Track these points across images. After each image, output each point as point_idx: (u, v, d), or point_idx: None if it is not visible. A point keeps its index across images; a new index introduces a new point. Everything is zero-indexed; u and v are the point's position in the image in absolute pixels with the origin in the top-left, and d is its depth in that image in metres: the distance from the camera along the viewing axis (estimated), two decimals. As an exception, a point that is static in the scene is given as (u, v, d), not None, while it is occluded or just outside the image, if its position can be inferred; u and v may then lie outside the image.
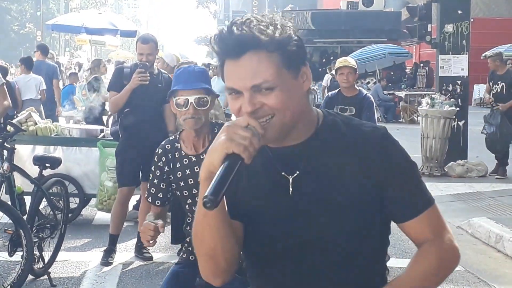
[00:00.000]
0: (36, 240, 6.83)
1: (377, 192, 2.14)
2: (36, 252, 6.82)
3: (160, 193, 4.21)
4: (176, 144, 4.14)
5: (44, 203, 7.40)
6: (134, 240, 8.20)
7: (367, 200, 2.13)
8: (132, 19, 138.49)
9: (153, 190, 4.19)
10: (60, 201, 7.79)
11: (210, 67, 17.53)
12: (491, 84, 13.48)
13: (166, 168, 4.12)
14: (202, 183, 1.99)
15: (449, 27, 13.92)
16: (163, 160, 4.12)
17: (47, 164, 7.36)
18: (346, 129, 2.19)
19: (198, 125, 4.04)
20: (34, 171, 7.40)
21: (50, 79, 15.04)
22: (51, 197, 7.52)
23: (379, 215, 2.17)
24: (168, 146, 4.15)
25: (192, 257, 4.27)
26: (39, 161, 7.38)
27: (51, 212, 7.36)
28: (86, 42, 27.74)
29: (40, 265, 6.95)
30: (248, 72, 2.05)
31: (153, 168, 4.15)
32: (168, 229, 8.67)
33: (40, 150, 8.97)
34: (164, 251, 8.15)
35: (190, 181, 4.07)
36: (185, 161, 4.09)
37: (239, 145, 1.92)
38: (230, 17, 69.30)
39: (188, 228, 4.25)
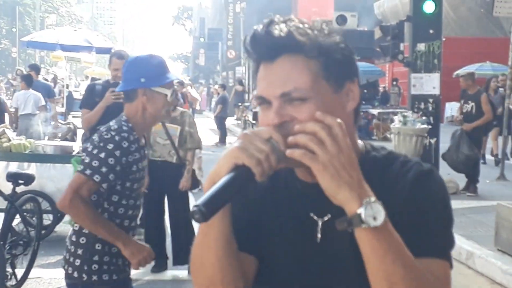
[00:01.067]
0: (9, 257, 6.83)
1: (403, 232, 1.67)
2: (9, 269, 6.81)
3: None
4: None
5: (17, 219, 7.41)
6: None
7: None
8: (108, 36, 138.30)
9: None
10: (34, 218, 7.80)
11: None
12: (462, 102, 13.69)
13: (135, 155, 3.96)
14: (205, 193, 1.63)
15: (421, 46, 14.08)
16: (133, 147, 3.90)
17: (20, 181, 7.36)
18: (386, 168, 1.82)
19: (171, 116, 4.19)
20: (7, 187, 7.40)
21: (46, 97, 15.88)
22: (25, 213, 7.52)
23: None
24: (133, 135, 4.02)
25: (115, 277, 3.86)
26: (13, 177, 7.37)
27: (24, 229, 7.37)
28: (61, 58, 27.66)
29: (13, 282, 6.94)
30: (280, 78, 1.73)
31: None
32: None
33: (13, 166, 8.97)
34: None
35: (138, 172, 3.92)
36: (141, 152, 3.96)
37: (252, 157, 1.59)
38: (206, 34, 69.49)
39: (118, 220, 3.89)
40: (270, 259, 1.85)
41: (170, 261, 8.05)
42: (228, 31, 58.68)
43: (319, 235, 1.79)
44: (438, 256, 1.74)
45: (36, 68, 17.99)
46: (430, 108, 14.15)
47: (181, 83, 18.64)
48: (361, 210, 1.56)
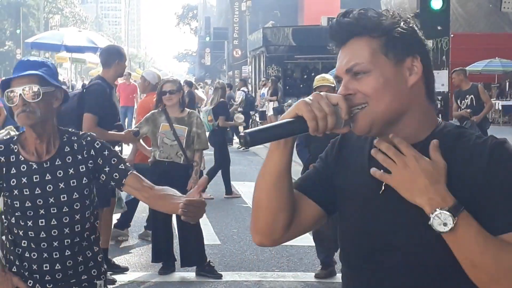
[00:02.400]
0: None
1: (477, 207, 1.89)
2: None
3: None
4: (12, 146, 3.50)
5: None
6: (114, 259, 8.13)
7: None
8: (113, 36, 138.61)
9: None
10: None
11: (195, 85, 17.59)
12: (459, 101, 13.56)
13: None
14: None
15: (428, 43, 13.95)
16: None
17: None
18: (456, 142, 2.00)
19: (29, 121, 3.37)
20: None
21: None
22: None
23: None
24: (0, 147, 3.53)
25: None
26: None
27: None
28: (66, 60, 27.60)
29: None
30: (346, 57, 2.03)
31: None
32: (149, 247, 8.67)
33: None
34: (144, 270, 8.08)
35: (26, 191, 3.42)
36: (23, 167, 3.45)
37: (311, 112, 1.90)
38: (211, 33, 69.52)
39: (5, 252, 3.61)
40: (342, 209, 2.17)
41: (177, 263, 7.95)
42: (234, 30, 58.69)
43: (383, 188, 2.01)
44: None
45: None
46: (439, 106, 14.05)
47: (189, 84, 18.59)
48: (431, 221, 1.86)
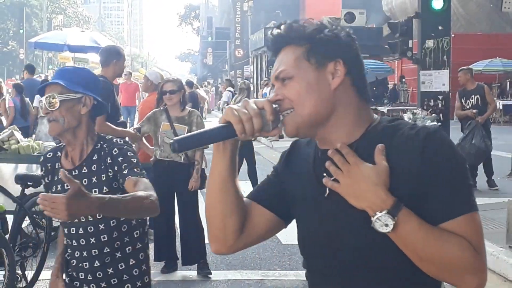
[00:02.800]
0: (19, 259, 6.81)
1: (417, 199, 1.97)
2: (19, 271, 6.80)
3: None
4: (59, 153, 3.60)
5: (26, 221, 7.38)
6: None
7: (406, 201, 1.97)
8: (116, 36, 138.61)
9: None
10: (43, 220, 7.77)
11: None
12: (463, 100, 13.52)
13: (46, 180, 3.62)
14: None
15: (430, 43, 14.04)
16: (43, 170, 3.63)
17: (29, 183, 7.33)
18: (391, 136, 2.06)
19: (54, 130, 3.43)
20: (16, 189, 7.37)
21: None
22: (34, 215, 7.50)
23: None
24: (49, 155, 3.64)
25: None
26: (21, 179, 7.35)
27: (34, 231, 7.35)
28: (69, 59, 27.68)
29: (23, 284, 6.93)
30: (276, 65, 2.17)
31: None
32: (151, 246, 8.68)
33: (22, 168, 8.94)
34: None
35: None
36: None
37: (236, 116, 2.02)
38: (213, 33, 69.54)
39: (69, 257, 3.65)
40: (296, 215, 2.26)
41: (179, 262, 8.01)
42: (235, 30, 58.68)
43: (327, 191, 2.10)
44: (465, 212, 1.98)
45: (29, 68, 18.89)
46: (440, 105, 14.11)
47: (189, 84, 18.63)
48: (373, 224, 1.96)
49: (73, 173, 3.42)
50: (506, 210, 8.50)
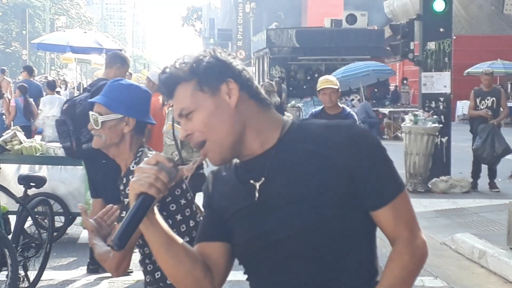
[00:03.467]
0: (21, 259, 6.83)
1: (348, 185, 2.11)
2: (21, 272, 6.81)
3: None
4: None
5: (29, 222, 7.41)
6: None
7: (339, 194, 2.11)
8: (118, 37, 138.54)
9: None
10: (45, 220, 7.81)
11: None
12: (478, 100, 13.55)
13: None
14: None
15: (431, 45, 14.05)
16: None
17: (32, 183, 7.36)
18: (315, 130, 2.20)
19: (96, 144, 3.58)
20: (19, 190, 7.40)
21: (37, 97, 17.16)
22: (36, 216, 7.53)
23: (354, 210, 2.15)
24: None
25: None
26: (24, 180, 7.38)
27: (36, 231, 7.37)
28: (71, 60, 27.73)
29: (25, 284, 6.95)
30: (176, 105, 2.23)
31: None
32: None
33: (25, 169, 8.98)
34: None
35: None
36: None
37: (144, 184, 2.05)
38: (215, 35, 69.55)
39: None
40: (231, 228, 2.26)
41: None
42: (238, 31, 58.68)
43: (257, 194, 2.18)
44: (396, 194, 2.15)
45: (28, 69, 19.40)
46: (441, 107, 14.12)
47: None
48: None
49: (123, 181, 3.54)
50: (507, 211, 8.52)
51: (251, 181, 2.20)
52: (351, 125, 2.19)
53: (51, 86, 16.94)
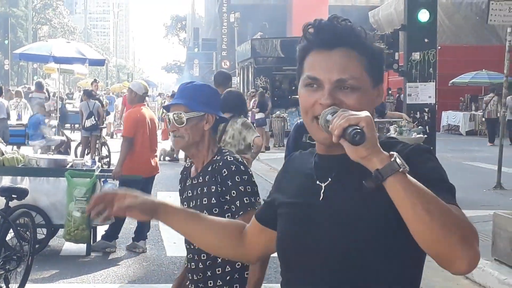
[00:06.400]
0: (2, 272, 6.76)
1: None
2: (3, 284, 6.74)
3: None
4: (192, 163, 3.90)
5: (10, 234, 7.32)
6: (102, 271, 8.16)
7: (392, 218, 1.93)
8: (101, 47, 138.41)
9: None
10: (27, 232, 7.71)
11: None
12: None
13: (179, 186, 3.91)
14: None
15: (416, 55, 14.08)
16: (180, 177, 3.92)
17: (13, 195, 7.29)
18: (383, 147, 1.96)
19: (179, 145, 3.76)
20: (0, 202, 7.32)
21: None
22: (18, 228, 7.44)
23: (405, 239, 1.92)
24: (187, 164, 3.97)
25: None
26: (6, 192, 7.31)
27: (18, 244, 7.29)
28: (54, 70, 27.65)
29: (7, 297, 6.86)
30: (338, 65, 2.06)
31: None
32: (137, 259, 8.63)
33: (7, 180, 8.88)
34: (132, 282, 8.08)
35: (185, 204, 3.74)
36: (188, 182, 3.80)
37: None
38: (200, 44, 69.60)
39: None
40: (284, 219, 2.23)
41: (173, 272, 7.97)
42: (222, 41, 58.74)
43: (321, 194, 2.11)
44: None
45: None
46: (426, 117, 14.14)
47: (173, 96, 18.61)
48: (394, 158, 1.84)
49: (193, 182, 3.71)
50: (491, 222, 8.51)
51: (318, 182, 2.14)
52: (413, 149, 2.10)
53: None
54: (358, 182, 1.97)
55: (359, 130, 1.81)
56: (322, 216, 2.09)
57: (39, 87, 25.42)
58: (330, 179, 2.11)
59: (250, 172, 3.69)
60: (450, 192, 1.97)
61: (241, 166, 3.64)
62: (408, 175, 1.83)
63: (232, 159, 3.66)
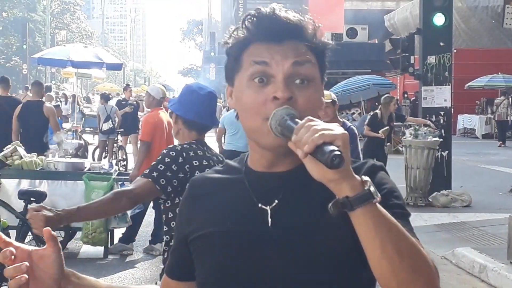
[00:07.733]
0: (21, 274, 6.82)
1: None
2: (21, 287, 6.80)
3: None
4: None
5: (29, 237, 7.40)
6: (119, 274, 8.22)
7: (348, 247, 1.70)
8: (118, 52, 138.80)
9: None
10: (46, 235, 7.78)
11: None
12: None
13: None
14: None
15: (431, 59, 14.07)
16: None
17: (32, 198, 7.36)
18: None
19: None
20: (19, 205, 7.40)
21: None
22: (37, 231, 7.51)
23: (362, 268, 1.69)
24: None
25: None
26: (25, 195, 7.38)
27: (36, 246, 7.36)
28: (72, 75, 27.78)
29: (25, 299, 6.93)
30: (291, 50, 1.79)
31: None
32: (154, 261, 8.67)
33: (25, 184, 8.97)
34: (150, 284, 8.14)
35: None
36: None
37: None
38: (216, 49, 69.64)
39: None
40: (214, 256, 1.82)
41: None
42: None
43: (269, 219, 1.78)
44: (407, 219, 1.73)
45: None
46: (442, 121, 14.13)
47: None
48: (367, 187, 1.56)
49: None
50: (507, 225, 8.51)
51: (260, 205, 1.81)
52: (371, 167, 1.82)
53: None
54: (311, 204, 1.76)
55: (338, 153, 1.50)
56: (273, 248, 1.76)
57: (47, 90, 25.76)
58: (276, 201, 1.80)
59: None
60: (409, 221, 1.74)
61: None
62: (379, 206, 1.57)
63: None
